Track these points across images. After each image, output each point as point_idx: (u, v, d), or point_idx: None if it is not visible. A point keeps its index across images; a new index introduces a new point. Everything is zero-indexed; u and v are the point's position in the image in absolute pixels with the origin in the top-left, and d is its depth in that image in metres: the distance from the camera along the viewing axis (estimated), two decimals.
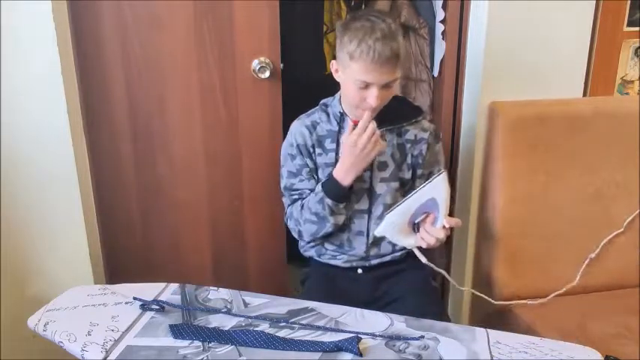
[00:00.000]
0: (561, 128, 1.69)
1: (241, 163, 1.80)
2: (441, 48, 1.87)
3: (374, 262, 1.54)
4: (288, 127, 1.57)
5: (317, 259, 1.59)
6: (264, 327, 1.20)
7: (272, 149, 1.76)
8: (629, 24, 1.79)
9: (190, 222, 1.84)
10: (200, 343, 1.15)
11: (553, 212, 1.71)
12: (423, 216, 1.40)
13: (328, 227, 1.47)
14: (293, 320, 1.23)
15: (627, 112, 1.73)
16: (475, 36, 1.74)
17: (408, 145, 1.51)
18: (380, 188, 1.49)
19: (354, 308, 1.29)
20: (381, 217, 1.44)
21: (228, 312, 1.26)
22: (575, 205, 1.71)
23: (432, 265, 1.47)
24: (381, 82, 1.35)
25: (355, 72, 1.35)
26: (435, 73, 1.93)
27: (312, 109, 1.57)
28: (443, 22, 1.84)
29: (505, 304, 1.64)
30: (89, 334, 1.15)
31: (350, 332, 1.18)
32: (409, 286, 1.51)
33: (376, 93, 1.35)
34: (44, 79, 1.53)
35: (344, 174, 1.42)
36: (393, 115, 1.48)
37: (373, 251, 1.53)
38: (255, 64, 1.69)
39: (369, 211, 1.50)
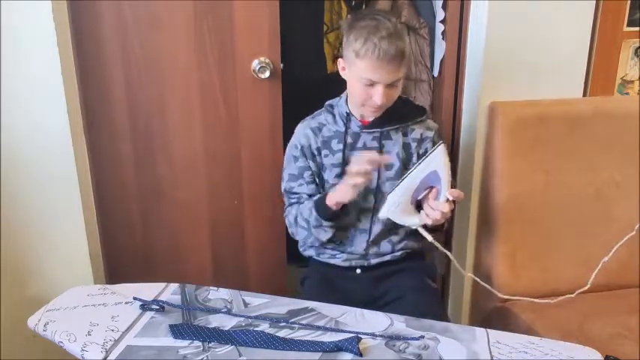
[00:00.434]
0: (561, 128, 1.69)
1: (241, 163, 1.80)
2: (441, 48, 1.87)
3: (373, 261, 1.54)
4: (289, 127, 1.57)
5: (316, 258, 1.59)
6: (264, 327, 1.20)
7: (272, 149, 1.77)
8: (629, 24, 1.79)
9: (190, 222, 1.84)
10: (200, 343, 1.14)
11: (553, 212, 1.71)
12: (425, 192, 1.39)
13: (315, 238, 1.49)
14: (293, 320, 1.23)
15: (627, 112, 1.73)
16: (475, 36, 1.75)
17: (414, 144, 1.52)
18: (386, 187, 1.50)
19: (354, 308, 1.29)
20: (383, 201, 1.44)
21: (228, 312, 1.26)
22: (575, 204, 1.72)
23: (437, 243, 1.45)
24: (386, 81, 1.37)
25: (361, 70, 1.37)
26: (435, 73, 1.93)
27: (317, 111, 1.57)
28: (443, 22, 1.84)
29: (508, 299, 1.62)
30: (89, 334, 1.15)
31: (350, 332, 1.18)
32: (409, 286, 1.51)
33: (382, 91, 1.37)
34: (44, 79, 1.54)
35: (334, 197, 1.41)
36: (399, 114, 1.49)
37: (372, 250, 1.53)
38: (255, 64, 1.69)
39: (374, 210, 1.50)
